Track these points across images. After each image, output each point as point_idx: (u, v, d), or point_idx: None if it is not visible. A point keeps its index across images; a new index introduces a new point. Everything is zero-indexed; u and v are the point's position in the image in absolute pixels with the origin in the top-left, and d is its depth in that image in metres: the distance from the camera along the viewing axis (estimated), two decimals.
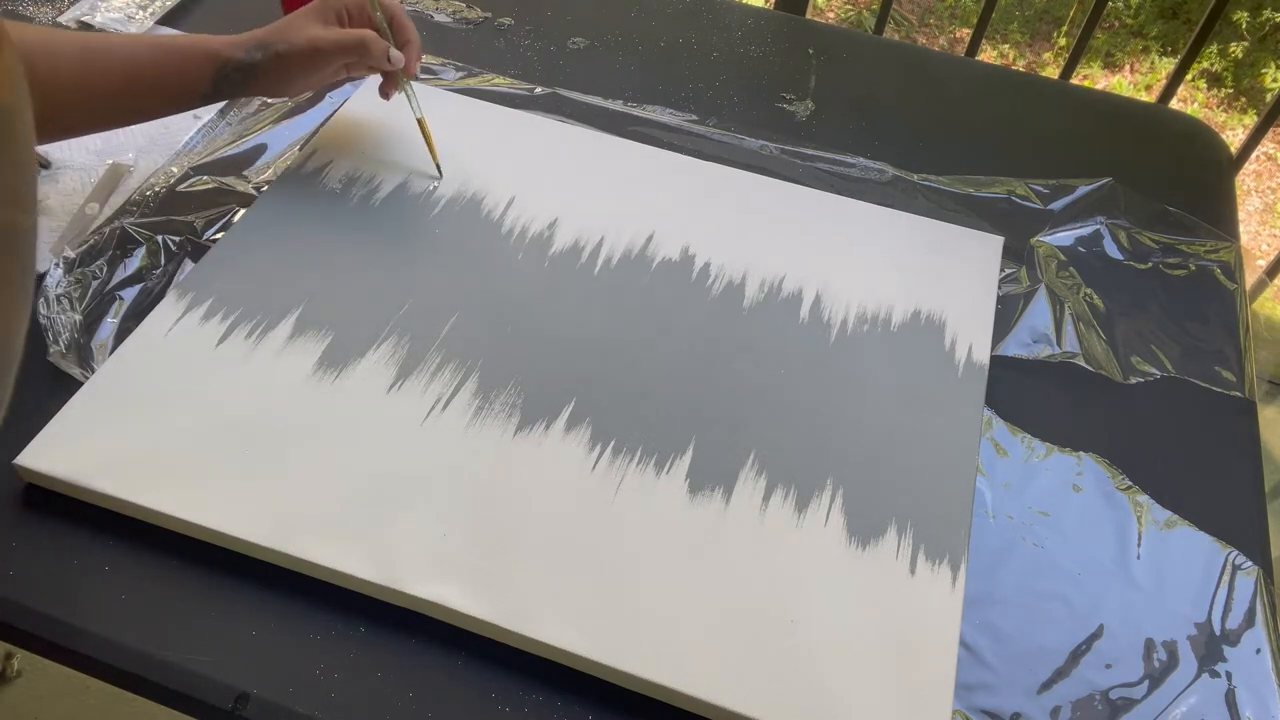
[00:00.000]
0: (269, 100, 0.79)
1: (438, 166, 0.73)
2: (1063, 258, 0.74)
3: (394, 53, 0.67)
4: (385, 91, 0.71)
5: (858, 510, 0.56)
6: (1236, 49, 2.40)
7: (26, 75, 0.57)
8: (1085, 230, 0.76)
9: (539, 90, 0.83)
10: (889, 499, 0.57)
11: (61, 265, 0.65)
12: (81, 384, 0.58)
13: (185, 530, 0.53)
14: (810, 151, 0.80)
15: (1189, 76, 1.71)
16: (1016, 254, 0.73)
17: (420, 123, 0.72)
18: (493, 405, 0.59)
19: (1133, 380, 0.67)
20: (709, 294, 0.67)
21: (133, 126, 0.76)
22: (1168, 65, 2.43)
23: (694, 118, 0.82)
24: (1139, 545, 0.58)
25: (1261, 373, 0.69)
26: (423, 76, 0.82)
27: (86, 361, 0.61)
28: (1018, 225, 0.76)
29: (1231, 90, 2.42)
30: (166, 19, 0.85)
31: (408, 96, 0.71)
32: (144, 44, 0.62)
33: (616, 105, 0.83)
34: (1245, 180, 2.24)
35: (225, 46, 0.63)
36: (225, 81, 0.64)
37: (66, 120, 0.61)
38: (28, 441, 0.55)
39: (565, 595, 0.51)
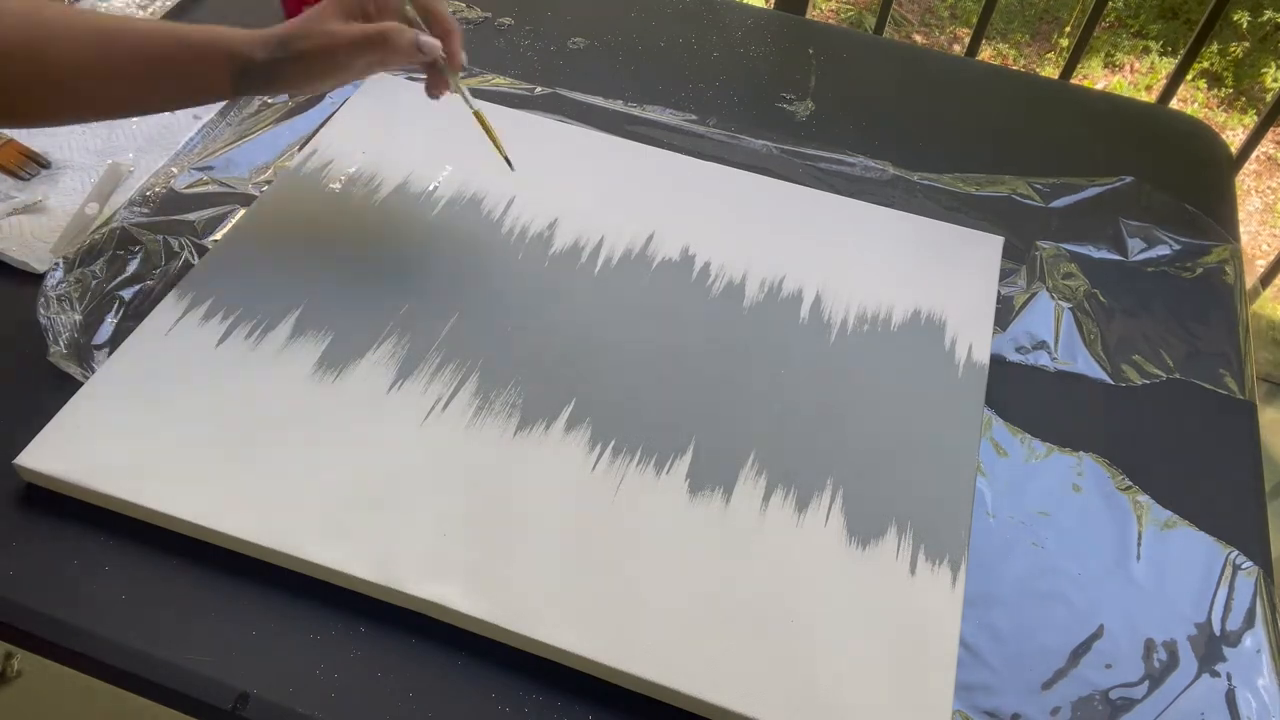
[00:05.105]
0: (269, 100, 0.79)
1: (507, 160, 0.67)
2: (1066, 257, 0.74)
3: (423, 39, 0.60)
4: (433, 92, 0.65)
5: (858, 510, 0.56)
6: (1236, 49, 2.40)
7: (43, 57, 0.56)
8: (1090, 229, 0.76)
9: (539, 90, 0.83)
10: (889, 499, 0.57)
11: (61, 265, 0.65)
12: (81, 384, 0.58)
13: (185, 530, 0.53)
14: (810, 151, 0.80)
15: (1189, 76, 1.71)
16: (1018, 254, 0.73)
17: (478, 115, 0.66)
18: (493, 405, 0.59)
19: (1135, 381, 0.67)
20: (709, 294, 0.67)
21: (133, 125, 0.76)
22: (1168, 65, 2.43)
23: (694, 118, 0.82)
24: (1139, 545, 0.58)
25: (1262, 373, 0.69)
26: (420, 77, 0.82)
27: (86, 361, 0.61)
28: (1019, 225, 0.76)
29: (1231, 90, 2.42)
30: (167, 19, 0.85)
31: (461, 94, 0.65)
32: (162, 35, 0.59)
33: (616, 105, 0.83)
34: (1245, 180, 2.24)
35: (245, 45, 0.60)
36: (246, 80, 0.60)
37: (81, 104, 0.59)
38: (28, 441, 0.55)
39: (565, 595, 0.51)
